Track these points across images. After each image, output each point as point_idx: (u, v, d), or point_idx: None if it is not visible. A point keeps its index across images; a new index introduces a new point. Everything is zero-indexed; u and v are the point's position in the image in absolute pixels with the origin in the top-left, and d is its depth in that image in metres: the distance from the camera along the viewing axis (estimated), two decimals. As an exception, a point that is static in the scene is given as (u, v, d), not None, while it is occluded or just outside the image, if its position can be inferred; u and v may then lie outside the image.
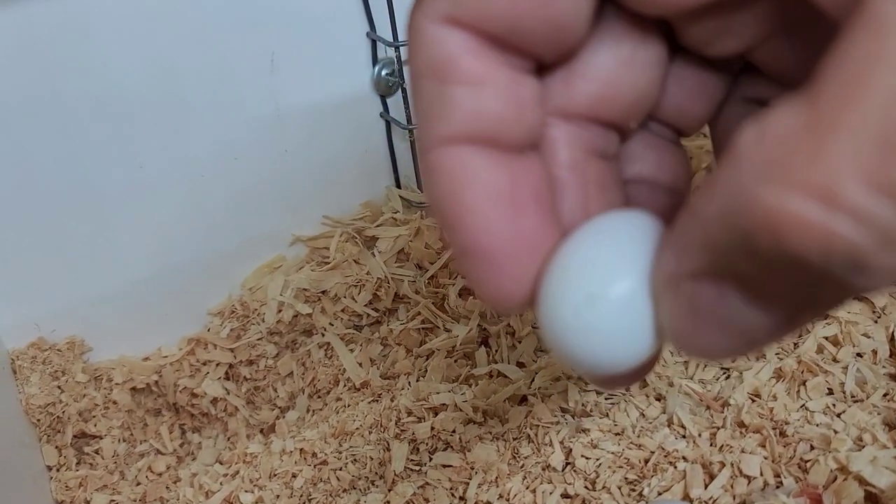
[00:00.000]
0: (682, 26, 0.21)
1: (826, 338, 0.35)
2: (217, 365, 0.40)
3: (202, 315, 0.42)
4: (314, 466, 0.36)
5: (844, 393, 0.34)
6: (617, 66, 0.21)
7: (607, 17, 0.20)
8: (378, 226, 0.44)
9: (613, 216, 0.20)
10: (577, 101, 0.21)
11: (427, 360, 0.38)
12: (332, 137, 0.44)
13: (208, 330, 0.41)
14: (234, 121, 0.40)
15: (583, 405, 0.35)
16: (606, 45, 0.20)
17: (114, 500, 0.37)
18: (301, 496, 0.35)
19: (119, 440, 0.39)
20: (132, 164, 0.39)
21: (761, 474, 0.32)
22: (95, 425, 0.39)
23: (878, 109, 0.14)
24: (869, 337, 0.35)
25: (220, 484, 0.36)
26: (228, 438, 0.39)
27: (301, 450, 0.36)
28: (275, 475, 0.36)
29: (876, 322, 0.35)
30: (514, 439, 0.34)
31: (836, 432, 0.32)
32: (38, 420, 0.38)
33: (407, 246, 0.42)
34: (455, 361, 0.38)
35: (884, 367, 0.34)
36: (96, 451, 0.39)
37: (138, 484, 0.38)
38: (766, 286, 0.15)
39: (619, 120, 0.21)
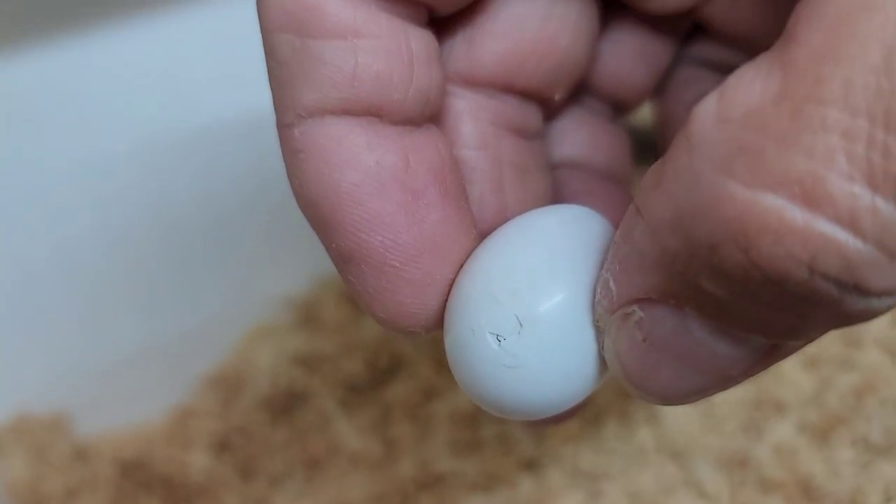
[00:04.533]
0: None
1: (847, 386, 0.34)
2: (208, 435, 0.38)
3: (191, 383, 0.40)
4: (314, 541, 0.34)
5: (870, 445, 0.32)
6: (532, 22, 0.17)
7: None
8: (372, 282, 0.42)
9: (544, 213, 0.16)
10: (484, 65, 0.17)
11: (429, 423, 0.37)
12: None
13: (198, 399, 0.40)
14: (217, 178, 0.39)
15: (597, 466, 0.33)
16: None
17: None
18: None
19: (107, 517, 0.37)
20: (109, 221, 0.38)
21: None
22: (82, 503, 0.37)
23: (872, 74, 0.11)
24: (892, 383, 0.33)
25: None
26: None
27: (300, 523, 0.35)
28: (272, 552, 0.34)
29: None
30: (526, 505, 0.33)
31: (864, 487, 0.31)
32: (23, 499, 0.36)
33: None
34: (459, 424, 0.37)
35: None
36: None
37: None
38: (738, 311, 0.12)
39: (538, 89, 0.18)
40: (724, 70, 0.19)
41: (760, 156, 0.11)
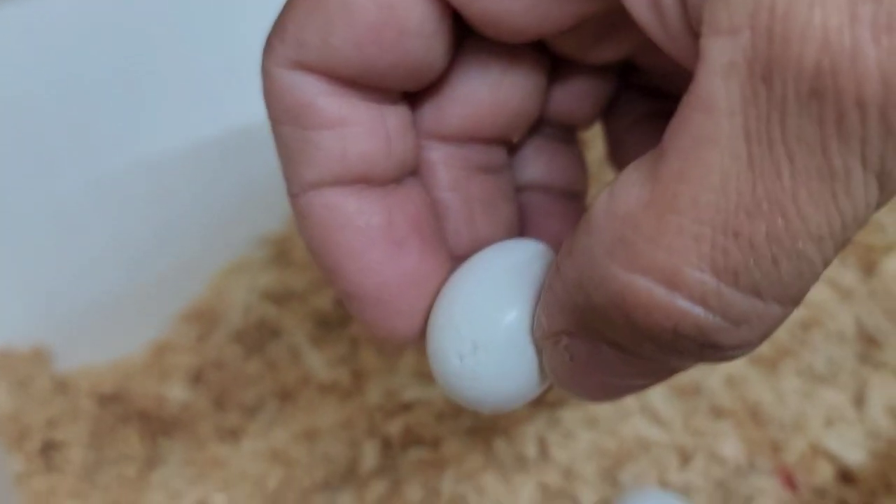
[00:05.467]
0: (553, 43, 0.20)
1: (795, 320, 0.35)
2: (183, 368, 0.39)
3: (167, 319, 0.41)
4: (286, 466, 0.35)
5: (814, 374, 0.34)
6: (486, 90, 0.20)
7: (472, 41, 0.20)
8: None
9: (499, 250, 0.20)
10: (450, 125, 0.20)
11: (397, 356, 0.38)
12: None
13: (174, 334, 0.41)
14: (198, 118, 0.40)
15: (556, 393, 0.34)
16: (474, 69, 0.20)
17: (84, 507, 0.36)
18: (274, 496, 0.34)
19: (87, 448, 0.38)
20: (92, 166, 0.39)
21: (735, 457, 0.32)
22: (62, 434, 0.38)
23: (712, 194, 0.14)
24: (836, 318, 0.35)
25: (191, 486, 0.36)
26: (198, 442, 0.38)
27: (272, 450, 0.36)
28: (246, 477, 0.35)
29: (842, 303, 0.35)
30: (488, 432, 0.34)
31: (807, 413, 0.32)
32: (6, 429, 0.37)
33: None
34: (424, 356, 0.38)
35: (851, 347, 0.34)
36: (65, 460, 0.38)
37: (108, 490, 0.37)
38: (633, 349, 0.16)
39: (498, 136, 0.21)
40: (656, 93, 0.24)
41: (635, 247, 0.14)
